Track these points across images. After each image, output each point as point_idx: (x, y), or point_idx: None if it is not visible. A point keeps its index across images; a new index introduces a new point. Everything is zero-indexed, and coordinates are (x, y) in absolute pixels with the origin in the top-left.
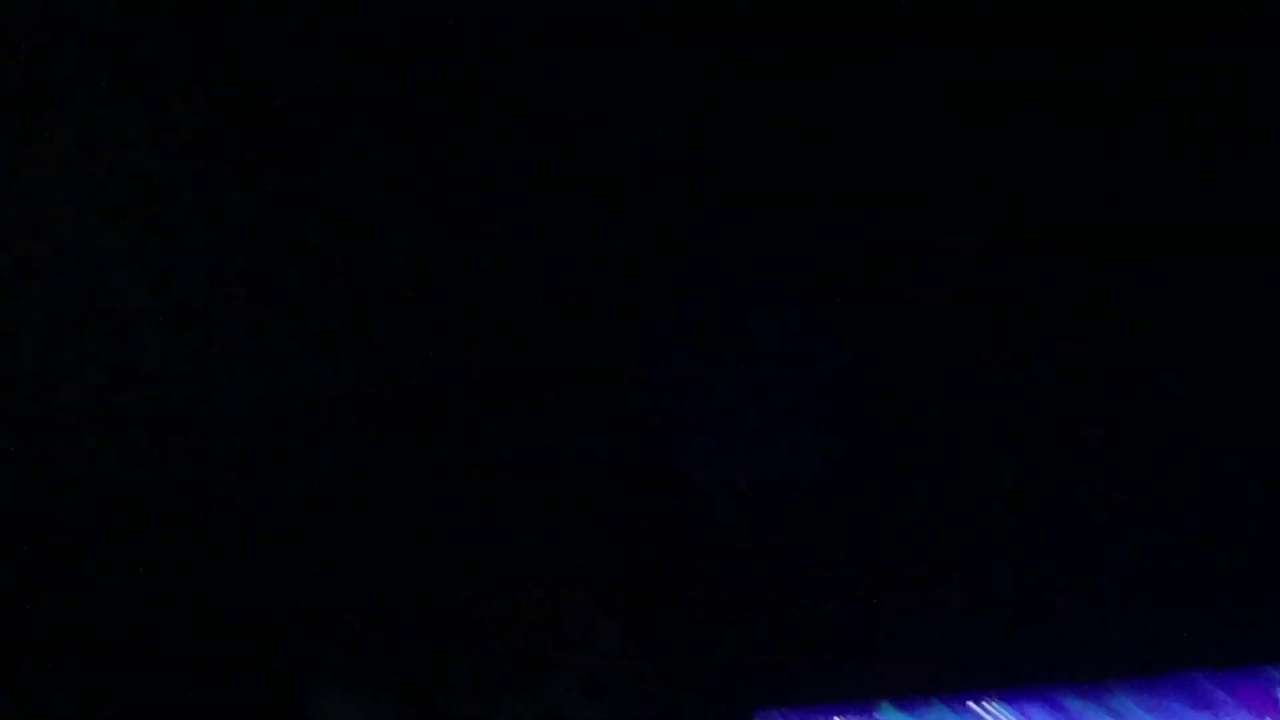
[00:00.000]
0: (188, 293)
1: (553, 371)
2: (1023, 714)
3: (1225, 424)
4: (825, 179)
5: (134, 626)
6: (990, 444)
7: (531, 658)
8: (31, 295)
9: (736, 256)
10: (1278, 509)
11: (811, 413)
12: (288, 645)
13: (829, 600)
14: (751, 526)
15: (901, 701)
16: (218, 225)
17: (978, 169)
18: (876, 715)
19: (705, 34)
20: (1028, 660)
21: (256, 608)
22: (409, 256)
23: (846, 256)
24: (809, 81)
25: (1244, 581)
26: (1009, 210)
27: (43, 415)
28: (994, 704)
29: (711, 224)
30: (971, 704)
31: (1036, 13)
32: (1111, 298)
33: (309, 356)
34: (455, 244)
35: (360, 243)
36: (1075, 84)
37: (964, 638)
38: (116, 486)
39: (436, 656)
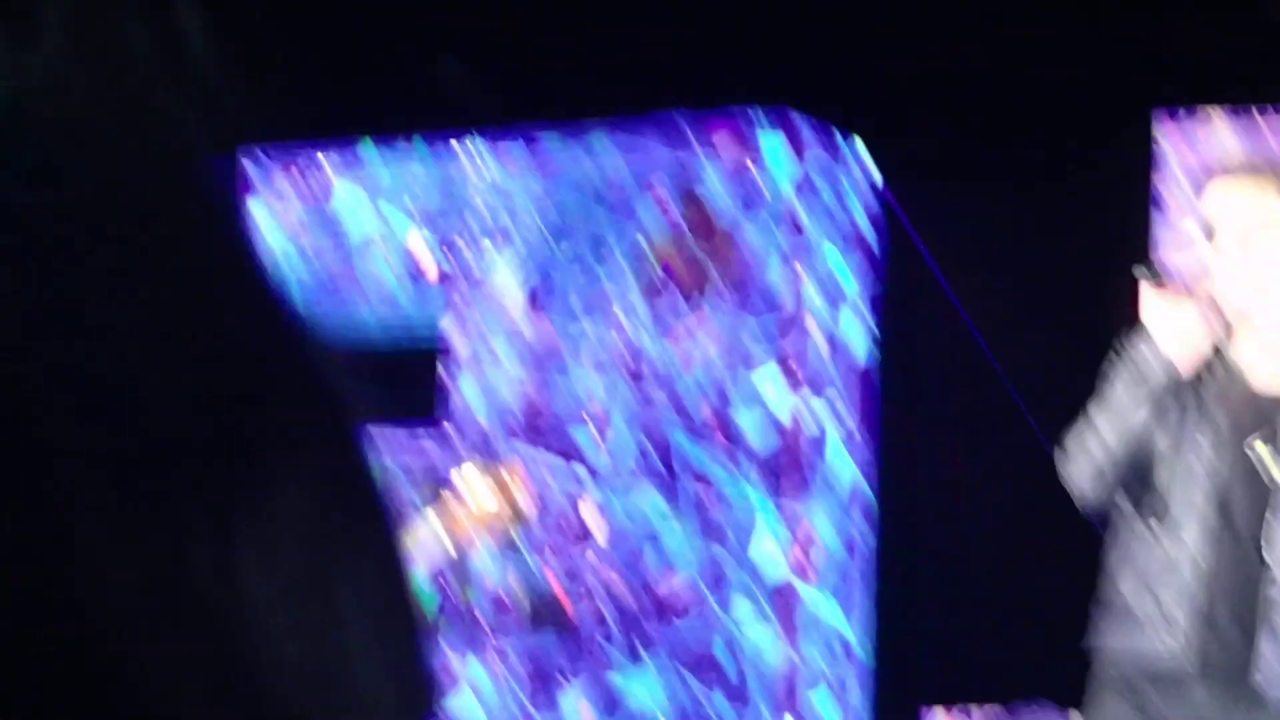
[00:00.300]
0: None
1: None
2: (499, 151)
3: None
4: None
5: None
6: None
7: None
8: None
9: None
10: None
11: None
12: None
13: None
14: None
15: (382, 138)
16: None
17: None
18: (358, 150)
19: None
20: (509, 101)
21: None
22: None
23: None
24: None
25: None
26: None
27: None
28: (473, 141)
29: None
30: (452, 142)
31: None
32: None
33: None
34: None
35: None
36: None
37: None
38: None
39: None
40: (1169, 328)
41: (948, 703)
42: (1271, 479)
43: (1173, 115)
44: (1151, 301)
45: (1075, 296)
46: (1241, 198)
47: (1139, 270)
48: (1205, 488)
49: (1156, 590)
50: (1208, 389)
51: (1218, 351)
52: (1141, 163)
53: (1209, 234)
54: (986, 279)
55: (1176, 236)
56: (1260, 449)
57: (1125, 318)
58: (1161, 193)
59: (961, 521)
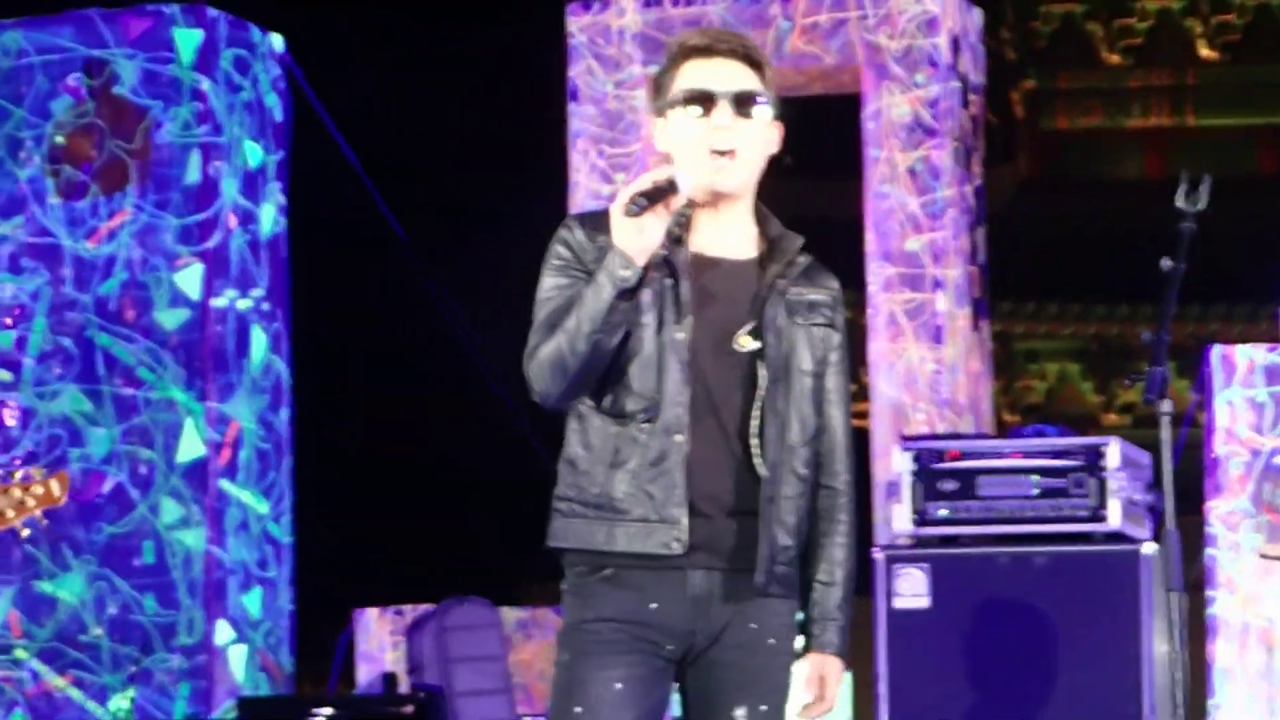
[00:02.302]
0: None
1: None
2: None
3: None
4: None
5: None
6: None
7: None
8: None
9: None
10: None
11: None
12: None
13: None
14: None
15: None
16: None
17: None
18: None
19: None
20: None
21: None
22: None
23: None
24: None
25: None
26: None
27: None
28: None
29: None
30: None
31: None
32: None
33: None
34: None
35: None
36: None
37: None
38: None
39: None
40: (631, 226)
41: (380, 603)
42: (757, 374)
43: (586, 7)
44: (621, 217)
45: (493, 181)
46: (714, 70)
47: (627, 208)
48: (692, 386)
49: (651, 490)
50: (683, 286)
51: (681, 242)
52: (557, 54)
53: (681, 107)
54: (405, 172)
55: (590, 120)
56: (744, 343)
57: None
58: (578, 83)
59: (382, 411)
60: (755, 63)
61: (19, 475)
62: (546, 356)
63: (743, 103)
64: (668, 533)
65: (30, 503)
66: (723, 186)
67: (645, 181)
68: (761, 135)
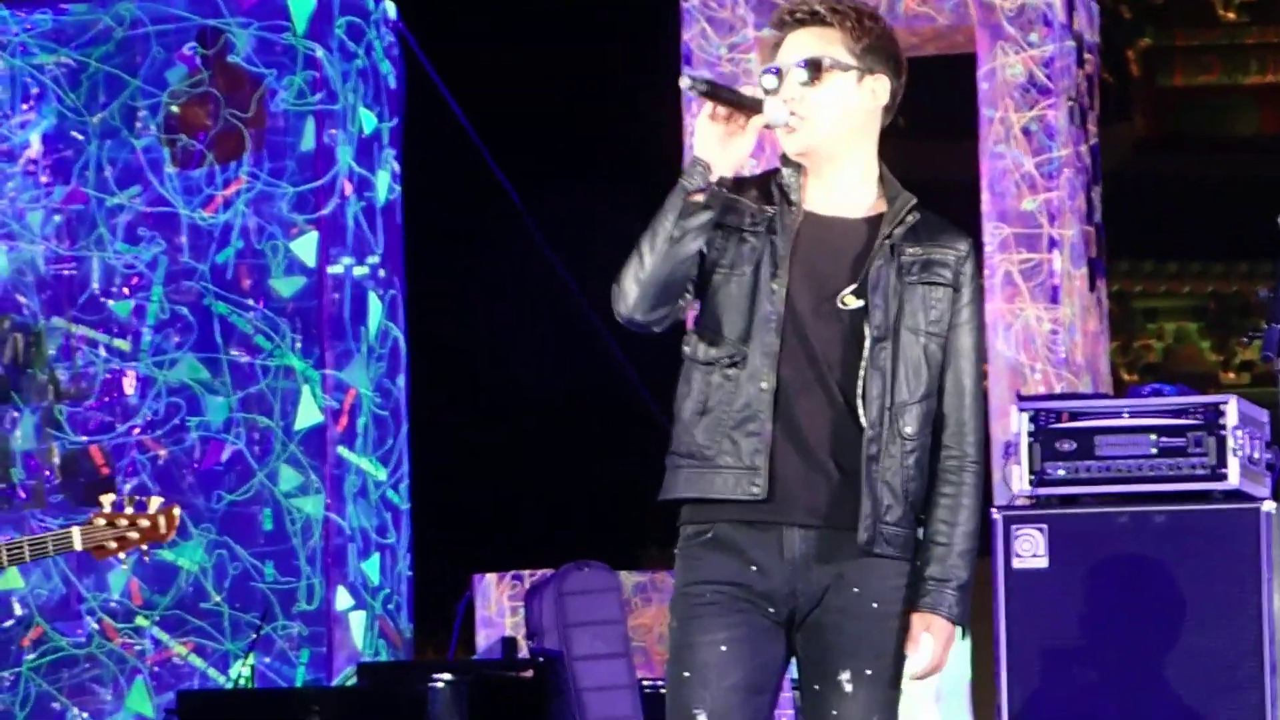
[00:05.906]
0: None
1: None
2: (28, 22)
3: None
4: None
5: None
6: None
7: None
8: None
9: None
10: None
11: None
12: None
13: None
14: None
15: None
16: None
17: None
18: None
19: None
20: None
21: None
22: None
23: None
24: None
25: None
26: None
27: None
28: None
29: None
30: None
31: None
32: None
33: None
34: None
35: None
36: None
37: None
38: None
39: None
40: (713, 136)
41: (499, 569)
42: (864, 332)
43: None
44: (704, 123)
45: (607, 145)
46: (786, 45)
47: (687, 83)
48: (789, 339)
49: (735, 437)
50: (783, 236)
51: (790, 200)
52: (670, 18)
53: (780, 75)
54: (518, 138)
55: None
56: (848, 302)
57: (666, 164)
58: (691, 47)
59: (499, 377)
60: (828, 21)
61: (131, 505)
62: (627, 269)
63: (807, 70)
64: (750, 479)
65: (134, 535)
66: (788, 149)
67: (737, 89)
68: (835, 97)
